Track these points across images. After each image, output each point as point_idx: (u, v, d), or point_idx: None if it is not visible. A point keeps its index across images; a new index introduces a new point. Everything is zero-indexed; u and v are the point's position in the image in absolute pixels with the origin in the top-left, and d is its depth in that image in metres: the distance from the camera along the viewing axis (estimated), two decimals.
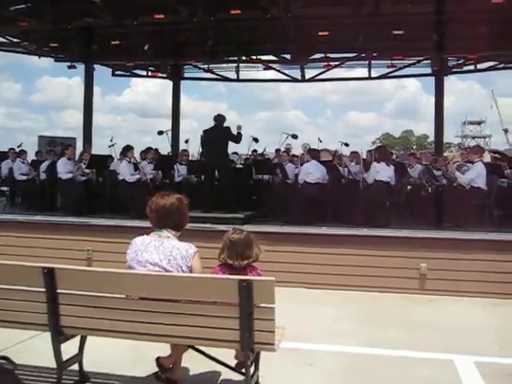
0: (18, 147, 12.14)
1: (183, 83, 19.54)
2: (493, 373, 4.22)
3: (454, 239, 7.32)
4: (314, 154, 9.56)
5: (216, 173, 9.43)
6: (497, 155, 12.42)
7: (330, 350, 4.77)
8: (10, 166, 11.41)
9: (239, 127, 9.18)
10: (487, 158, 11.82)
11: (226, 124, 9.10)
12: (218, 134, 8.94)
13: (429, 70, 17.16)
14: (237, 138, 9.08)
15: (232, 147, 9.83)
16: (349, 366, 4.41)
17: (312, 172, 9.13)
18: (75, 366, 3.65)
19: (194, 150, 12.45)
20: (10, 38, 15.00)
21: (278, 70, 18.30)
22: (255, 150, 11.42)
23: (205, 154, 9.58)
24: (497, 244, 7.17)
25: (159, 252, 3.37)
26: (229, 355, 3.60)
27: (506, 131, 65.34)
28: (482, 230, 7.72)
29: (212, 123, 9.05)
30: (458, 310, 6.46)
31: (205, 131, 9.14)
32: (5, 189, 12.38)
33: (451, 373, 4.24)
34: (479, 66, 16.76)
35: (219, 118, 9.03)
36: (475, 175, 8.29)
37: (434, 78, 16.84)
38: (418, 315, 6.18)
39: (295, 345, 4.56)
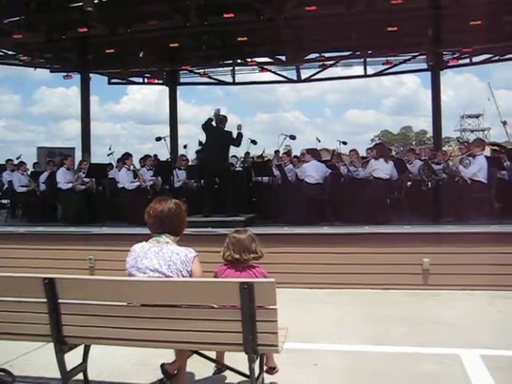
0: (17, 159, 12.12)
1: (180, 89, 19.59)
2: (499, 366, 4.21)
3: (456, 233, 7.31)
4: (313, 153, 9.55)
5: (216, 178, 9.38)
6: (496, 147, 12.42)
7: (335, 349, 4.76)
8: (10, 178, 11.40)
9: (239, 126, 9.05)
10: (487, 150, 11.80)
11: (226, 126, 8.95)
12: (220, 139, 8.80)
13: (425, 66, 17.16)
14: (237, 142, 8.99)
15: (232, 150, 9.63)
16: (354, 364, 4.39)
17: (311, 173, 9.13)
18: (80, 376, 3.62)
19: (193, 155, 12.46)
20: (4, 51, 15.02)
21: (274, 72, 18.30)
22: (248, 153, 11.37)
23: (204, 158, 9.51)
24: (499, 236, 7.17)
25: (159, 258, 3.36)
26: (233, 358, 3.59)
27: (504, 123, 65.26)
28: (484, 222, 7.72)
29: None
30: (463, 304, 6.45)
31: (205, 129, 8.88)
32: (5, 201, 12.39)
33: (457, 367, 4.22)
34: (475, 59, 16.71)
35: (221, 119, 8.86)
36: (478, 169, 8.28)
37: (430, 73, 16.83)
38: (423, 311, 6.17)
39: (299, 345, 4.55)
